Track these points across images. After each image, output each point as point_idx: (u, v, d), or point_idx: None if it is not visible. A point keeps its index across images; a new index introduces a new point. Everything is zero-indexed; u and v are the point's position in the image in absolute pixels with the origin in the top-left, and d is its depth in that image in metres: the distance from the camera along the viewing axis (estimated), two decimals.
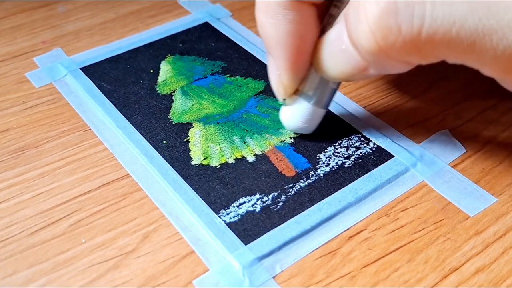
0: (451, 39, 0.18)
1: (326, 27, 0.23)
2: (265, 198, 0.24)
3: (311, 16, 0.23)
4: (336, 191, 0.24)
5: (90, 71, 0.31)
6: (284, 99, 0.25)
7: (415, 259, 0.22)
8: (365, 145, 0.27)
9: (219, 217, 0.23)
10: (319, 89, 0.24)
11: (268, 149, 0.26)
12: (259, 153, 0.26)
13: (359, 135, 0.27)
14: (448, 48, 0.18)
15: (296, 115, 0.25)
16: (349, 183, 0.25)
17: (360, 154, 0.26)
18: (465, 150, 0.27)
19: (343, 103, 0.29)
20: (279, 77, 0.24)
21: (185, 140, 0.27)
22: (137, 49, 0.33)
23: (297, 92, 0.25)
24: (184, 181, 0.25)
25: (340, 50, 0.21)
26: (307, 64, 0.24)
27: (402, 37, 0.18)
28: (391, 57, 0.19)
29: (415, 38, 0.18)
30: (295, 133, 0.27)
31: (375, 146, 0.27)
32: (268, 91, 0.30)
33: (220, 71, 0.31)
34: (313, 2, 0.22)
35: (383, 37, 0.19)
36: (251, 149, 0.26)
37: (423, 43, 0.18)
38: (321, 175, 0.25)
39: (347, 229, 0.23)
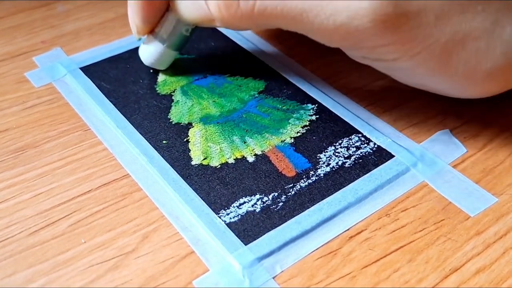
0: (278, 14, 0.23)
1: None
2: (265, 198, 0.24)
3: None
4: (336, 191, 0.24)
5: (90, 70, 0.31)
6: (139, 38, 0.29)
7: (416, 259, 0.22)
8: (365, 145, 0.27)
9: (219, 217, 0.23)
10: (172, 34, 0.28)
11: (268, 149, 0.26)
12: (259, 153, 0.26)
13: (360, 135, 0.27)
14: (277, 20, 0.23)
15: (150, 53, 0.29)
16: (350, 183, 0.25)
17: (361, 154, 0.26)
18: (465, 150, 0.26)
19: (344, 103, 0.29)
20: (132, 18, 0.28)
21: (185, 140, 0.27)
22: (136, 48, 0.33)
23: (153, 32, 0.28)
24: (184, 181, 0.25)
25: None
26: (161, 10, 0.27)
27: (240, 11, 0.24)
28: (233, 24, 0.25)
29: (250, 12, 0.23)
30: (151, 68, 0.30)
31: (376, 146, 0.26)
32: (268, 91, 0.30)
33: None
34: None
35: (226, 9, 0.24)
36: (251, 149, 0.26)
37: (256, 16, 0.23)
38: (322, 175, 0.25)
39: (348, 229, 0.23)
